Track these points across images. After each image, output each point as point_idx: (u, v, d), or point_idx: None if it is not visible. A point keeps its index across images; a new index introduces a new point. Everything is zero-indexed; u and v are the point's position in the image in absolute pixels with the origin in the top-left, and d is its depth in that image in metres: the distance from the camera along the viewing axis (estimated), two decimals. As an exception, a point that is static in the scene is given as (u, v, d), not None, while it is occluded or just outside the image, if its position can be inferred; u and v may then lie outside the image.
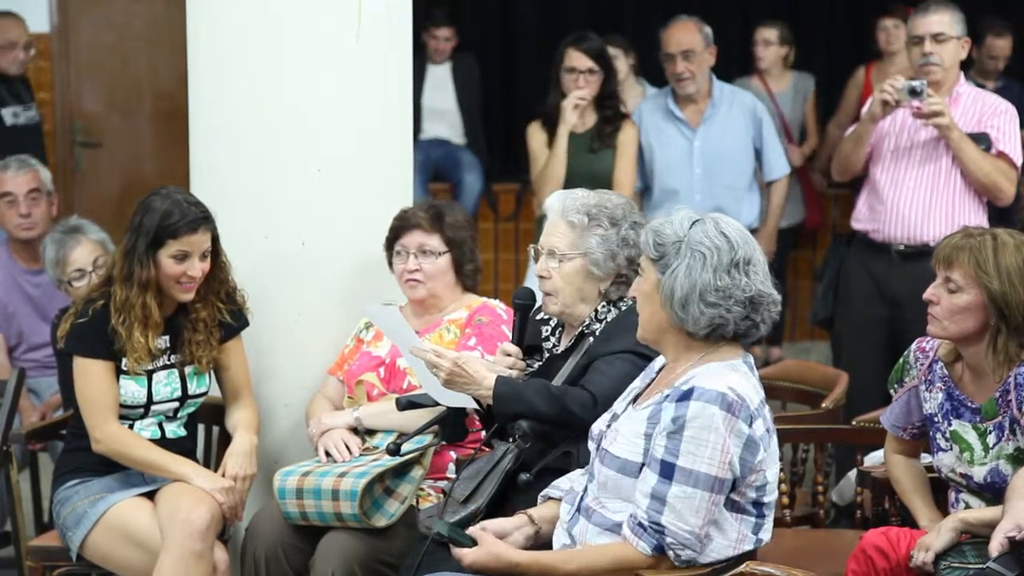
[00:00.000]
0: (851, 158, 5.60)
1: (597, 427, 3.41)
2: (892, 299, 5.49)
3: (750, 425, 3.15)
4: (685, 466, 3.11)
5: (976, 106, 5.48)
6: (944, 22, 5.43)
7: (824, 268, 5.94)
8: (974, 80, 7.31)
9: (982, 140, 5.41)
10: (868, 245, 5.57)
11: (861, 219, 5.61)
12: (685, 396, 3.14)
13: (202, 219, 4.13)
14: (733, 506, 3.20)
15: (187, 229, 4.09)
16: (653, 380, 3.38)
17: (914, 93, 5.30)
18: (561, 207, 3.81)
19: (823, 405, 4.66)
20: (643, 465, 3.18)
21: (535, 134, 6.22)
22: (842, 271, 5.72)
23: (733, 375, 3.19)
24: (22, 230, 5.64)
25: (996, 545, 3.30)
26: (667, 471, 3.12)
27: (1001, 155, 5.41)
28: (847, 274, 5.69)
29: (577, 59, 6.10)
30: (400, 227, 4.33)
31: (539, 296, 3.90)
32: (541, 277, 3.82)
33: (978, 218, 5.44)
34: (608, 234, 3.75)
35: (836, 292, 5.76)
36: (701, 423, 3.10)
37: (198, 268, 4.14)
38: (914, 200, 5.45)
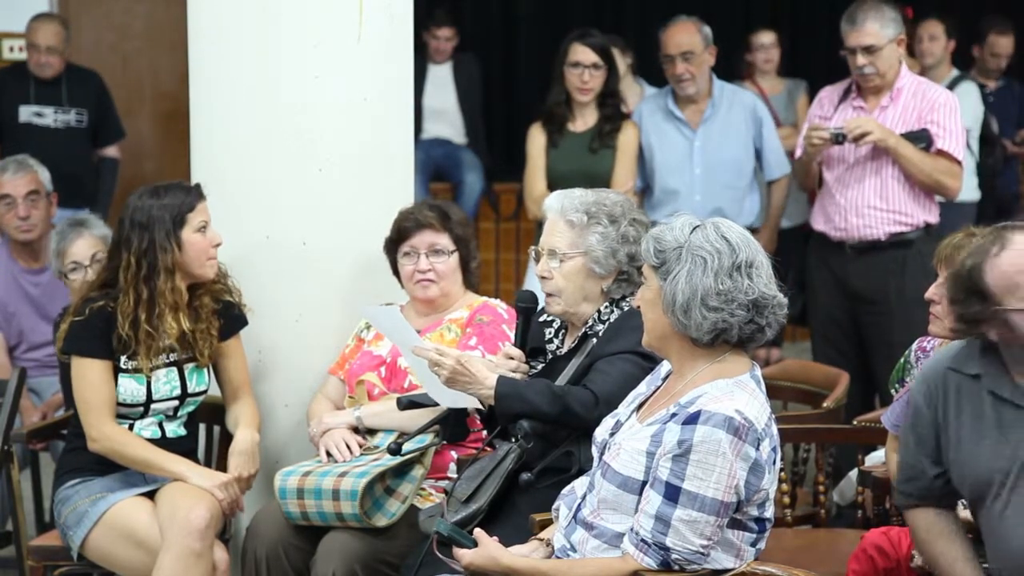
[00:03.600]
0: (804, 185, 5.96)
1: (600, 434, 3.38)
2: (851, 292, 5.64)
3: (757, 448, 3.12)
4: (691, 490, 3.08)
5: (916, 100, 5.55)
6: (872, 33, 5.49)
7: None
8: (975, 80, 7.31)
9: (921, 138, 5.47)
10: (825, 242, 5.70)
11: (818, 220, 5.73)
12: (692, 419, 3.09)
13: (198, 188, 4.25)
14: (735, 523, 3.17)
15: (198, 197, 4.21)
16: (659, 388, 3.35)
17: (838, 140, 5.47)
18: (560, 207, 3.80)
19: (824, 405, 4.65)
20: (644, 483, 3.16)
21: (535, 136, 6.20)
22: (804, 268, 5.87)
23: (741, 395, 3.15)
24: (21, 232, 5.63)
25: None
26: (672, 494, 3.09)
27: (941, 153, 5.45)
28: (810, 271, 5.84)
29: (582, 53, 6.09)
30: (409, 227, 4.32)
31: (541, 298, 3.89)
32: (543, 278, 3.81)
33: (928, 214, 5.55)
34: (608, 231, 3.74)
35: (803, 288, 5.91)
36: (708, 448, 3.07)
37: (217, 235, 4.23)
38: (863, 200, 5.55)
